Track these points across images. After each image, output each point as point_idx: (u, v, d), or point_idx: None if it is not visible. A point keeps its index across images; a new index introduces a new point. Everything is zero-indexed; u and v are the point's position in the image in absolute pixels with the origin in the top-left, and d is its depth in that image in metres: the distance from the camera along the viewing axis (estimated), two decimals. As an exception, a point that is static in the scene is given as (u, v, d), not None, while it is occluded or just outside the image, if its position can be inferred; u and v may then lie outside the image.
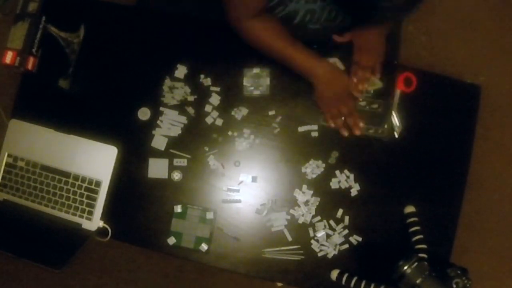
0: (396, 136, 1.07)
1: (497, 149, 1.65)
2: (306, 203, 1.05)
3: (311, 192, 1.05)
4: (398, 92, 1.07)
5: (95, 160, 1.07)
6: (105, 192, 1.06)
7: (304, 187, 1.05)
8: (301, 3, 0.98)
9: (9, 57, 1.07)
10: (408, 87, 1.07)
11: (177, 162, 1.07)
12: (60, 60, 1.09)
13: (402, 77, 1.07)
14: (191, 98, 1.08)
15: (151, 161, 1.07)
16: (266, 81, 1.07)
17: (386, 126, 1.06)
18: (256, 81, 1.07)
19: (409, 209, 1.04)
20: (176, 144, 1.07)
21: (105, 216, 1.06)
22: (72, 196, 1.06)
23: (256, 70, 1.07)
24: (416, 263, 0.87)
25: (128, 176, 1.07)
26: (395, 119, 1.06)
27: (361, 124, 1.04)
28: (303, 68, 1.00)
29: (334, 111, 1.04)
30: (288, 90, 1.08)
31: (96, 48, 1.11)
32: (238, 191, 1.06)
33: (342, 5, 0.97)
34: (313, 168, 1.06)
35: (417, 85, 1.07)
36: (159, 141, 1.07)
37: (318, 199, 1.05)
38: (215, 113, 1.08)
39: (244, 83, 1.07)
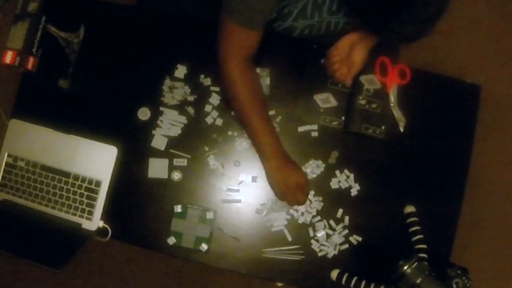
0: (402, 130, 1.07)
1: (497, 149, 1.65)
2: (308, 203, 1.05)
3: (313, 192, 1.05)
4: (395, 86, 1.07)
5: (95, 160, 1.07)
6: (105, 192, 1.06)
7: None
8: (299, 21, 0.98)
9: (9, 57, 1.07)
10: (403, 79, 1.07)
11: (177, 162, 1.07)
12: (60, 60, 1.09)
13: (396, 70, 1.07)
14: (191, 98, 1.08)
15: (151, 161, 1.07)
16: (266, 81, 1.07)
17: (383, 127, 1.06)
18: (256, 81, 1.07)
19: (409, 209, 1.04)
20: (176, 144, 1.07)
21: (105, 216, 1.06)
22: (72, 196, 1.06)
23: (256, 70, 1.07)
24: (416, 263, 0.87)
25: (128, 176, 1.07)
26: (398, 113, 1.06)
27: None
28: (262, 149, 0.98)
29: (288, 199, 1.00)
30: (288, 90, 1.08)
31: (96, 48, 1.11)
32: (238, 191, 1.06)
33: (360, 17, 0.92)
34: (313, 168, 1.06)
35: (411, 76, 1.06)
36: (159, 141, 1.07)
37: (320, 198, 1.05)
38: (215, 113, 1.08)
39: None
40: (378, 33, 0.74)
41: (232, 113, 1.07)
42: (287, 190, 0.98)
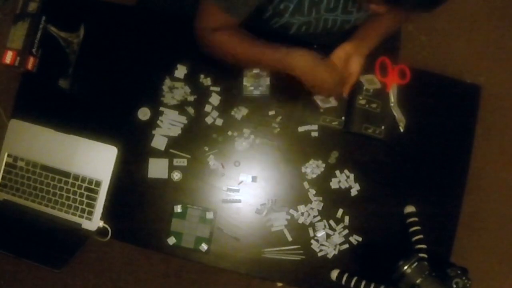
0: (402, 130, 1.07)
1: (497, 149, 1.65)
2: (309, 203, 1.05)
3: (314, 191, 1.05)
4: (395, 86, 1.07)
5: (95, 160, 1.07)
6: (105, 192, 1.06)
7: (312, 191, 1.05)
8: (295, 17, 0.97)
9: (9, 57, 1.07)
10: (403, 79, 1.07)
11: (177, 162, 1.07)
12: (60, 60, 1.09)
13: (396, 70, 1.07)
14: (191, 98, 1.08)
15: (151, 161, 1.07)
16: (266, 81, 1.07)
17: (383, 127, 1.06)
18: (256, 81, 1.07)
19: (409, 209, 1.04)
20: (176, 144, 1.07)
21: (105, 216, 1.06)
22: (72, 196, 1.06)
23: (256, 70, 1.07)
24: (416, 263, 0.87)
25: (128, 176, 1.07)
26: (398, 113, 1.07)
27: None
28: (279, 62, 0.93)
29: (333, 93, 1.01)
30: (288, 90, 1.08)
31: (96, 48, 1.11)
32: (238, 191, 1.06)
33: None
34: (313, 168, 1.06)
35: (411, 76, 1.07)
36: (159, 141, 1.07)
37: (320, 198, 1.05)
38: (215, 113, 1.08)
39: (244, 83, 1.07)
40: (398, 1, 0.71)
41: (232, 113, 1.07)
42: (330, 85, 0.96)
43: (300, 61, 0.92)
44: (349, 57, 1.01)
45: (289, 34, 1.04)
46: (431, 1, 0.71)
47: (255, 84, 1.07)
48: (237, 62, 0.99)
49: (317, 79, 0.95)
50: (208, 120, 1.08)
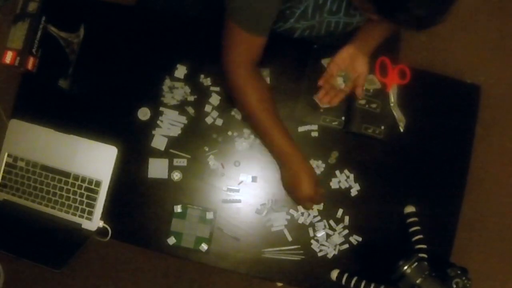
0: (402, 130, 1.07)
1: (497, 149, 1.65)
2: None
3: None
4: (395, 86, 1.07)
5: (95, 160, 1.07)
6: (105, 192, 1.06)
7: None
8: (300, 22, 0.97)
9: (9, 57, 1.07)
10: (403, 79, 1.07)
11: (177, 162, 1.07)
12: (60, 60, 1.09)
13: (396, 70, 1.07)
14: (191, 98, 1.08)
15: (151, 161, 1.07)
16: (266, 81, 1.07)
17: (383, 127, 1.06)
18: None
19: (409, 209, 1.04)
20: (176, 144, 1.07)
21: (105, 216, 1.06)
22: (72, 196, 1.06)
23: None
24: (416, 263, 0.87)
25: (128, 176, 1.07)
26: (398, 113, 1.07)
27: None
28: (279, 152, 0.97)
29: (300, 204, 1.02)
30: (288, 90, 1.08)
31: (96, 48, 1.11)
32: (238, 191, 1.06)
33: None
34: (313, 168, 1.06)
35: (411, 76, 1.07)
36: (159, 141, 1.07)
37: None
38: (215, 113, 1.08)
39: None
40: (390, 16, 0.71)
41: (232, 113, 1.07)
42: (297, 199, 0.99)
43: (302, 176, 0.94)
44: (354, 58, 1.01)
45: (293, 38, 1.05)
46: (420, 24, 0.71)
47: None
48: (242, 112, 1.00)
49: (298, 194, 0.97)
50: (208, 120, 1.08)
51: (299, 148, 0.96)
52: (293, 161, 0.96)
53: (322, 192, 0.99)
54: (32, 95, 1.12)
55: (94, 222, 1.06)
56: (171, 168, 1.07)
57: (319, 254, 1.04)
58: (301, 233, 1.05)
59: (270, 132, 0.95)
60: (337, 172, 1.06)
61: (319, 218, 1.05)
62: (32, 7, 1.09)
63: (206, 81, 1.08)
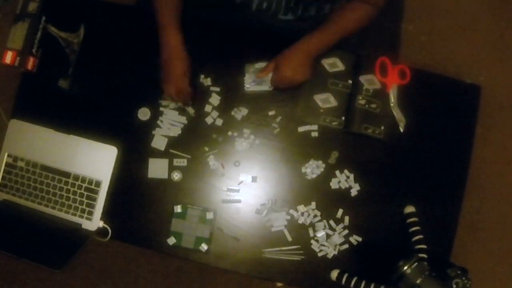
0: (402, 130, 1.07)
1: (497, 149, 1.65)
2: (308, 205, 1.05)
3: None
4: (395, 86, 1.07)
5: (95, 160, 1.07)
6: (105, 192, 1.06)
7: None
8: None
9: (9, 57, 1.07)
10: (403, 79, 1.07)
11: (177, 162, 1.07)
12: (60, 60, 1.09)
13: (396, 70, 1.07)
14: (191, 98, 1.08)
15: (151, 161, 1.07)
16: (268, 76, 1.06)
17: (383, 127, 1.06)
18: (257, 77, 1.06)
19: (409, 209, 1.04)
20: (176, 144, 1.07)
21: (105, 216, 1.06)
22: (72, 196, 1.06)
23: (258, 66, 1.07)
24: (416, 263, 0.87)
25: (128, 176, 1.07)
26: (398, 113, 1.07)
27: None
28: (160, 40, 1.00)
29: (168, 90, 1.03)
30: (288, 90, 1.08)
31: (96, 48, 1.11)
32: (238, 191, 1.06)
33: None
34: (313, 168, 1.06)
35: (411, 76, 1.07)
36: (159, 141, 1.07)
37: (320, 198, 1.05)
38: (215, 113, 1.08)
39: (246, 78, 1.07)
40: None
41: (232, 113, 1.07)
42: (169, 79, 1.01)
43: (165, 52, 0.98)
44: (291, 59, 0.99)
45: (252, 11, 1.02)
46: None
47: (257, 80, 1.06)
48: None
49: (169, 76, 1.00)
50: (208, 120, 1.08)
51: (180, 30, 0.99)
52: (169, 44, 0.99)
53: (189, 91, 1.02)
54: (32, 95, 1.12)
55: (94, 222, 1.06)
56: (171, 168, 1.07)
57: (319, 254, 1.04)
58: (301, 233, 1.05)
59: (162, 25, 0.98)
60: (337, 172, 1.06)
61: (319, 218, 1.05)
62: (32, 7, 1.09)
63: (206, 81, 1.08)
